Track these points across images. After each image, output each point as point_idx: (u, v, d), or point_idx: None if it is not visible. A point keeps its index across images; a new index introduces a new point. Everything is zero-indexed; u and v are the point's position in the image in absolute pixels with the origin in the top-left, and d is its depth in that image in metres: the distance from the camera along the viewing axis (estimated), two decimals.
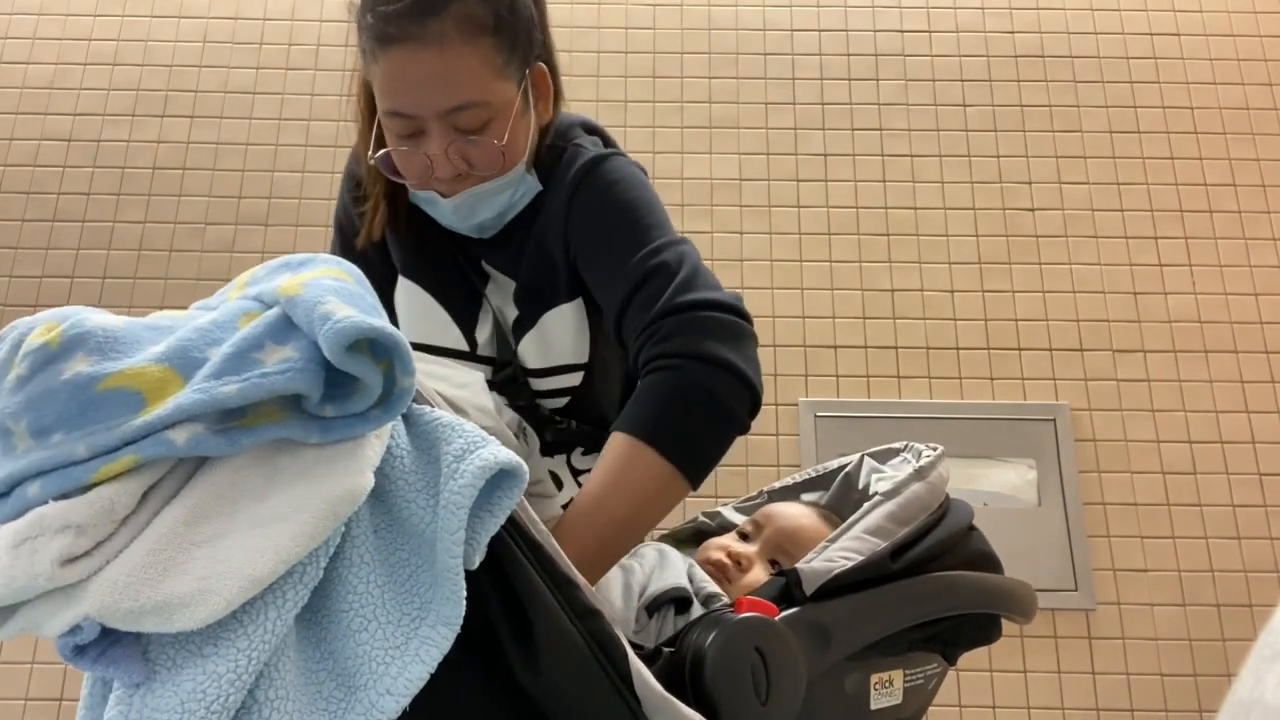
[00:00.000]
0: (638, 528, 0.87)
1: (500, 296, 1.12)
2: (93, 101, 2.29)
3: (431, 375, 0.74)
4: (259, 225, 2.20)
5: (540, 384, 1.10)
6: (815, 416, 2.08)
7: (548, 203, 1.06)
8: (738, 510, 1.12)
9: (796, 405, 2.09)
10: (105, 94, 2.30)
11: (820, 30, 2.38)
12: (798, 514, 1.01)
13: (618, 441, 0.86)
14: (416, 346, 0.96)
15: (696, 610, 0.83)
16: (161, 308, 2.28)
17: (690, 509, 1.97)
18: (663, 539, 1.10)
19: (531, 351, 1.09)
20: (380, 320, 0.53)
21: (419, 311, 1.10)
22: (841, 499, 1.05)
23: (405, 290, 1.11)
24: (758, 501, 1.11)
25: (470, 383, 0.79)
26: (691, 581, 0.89)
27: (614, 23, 2.37)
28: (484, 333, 1.11)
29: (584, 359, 1.09)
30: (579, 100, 2.19)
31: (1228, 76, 2.33)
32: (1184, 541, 2.00)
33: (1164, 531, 2.01)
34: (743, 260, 2.20)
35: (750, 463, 2.05)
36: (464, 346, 1.09)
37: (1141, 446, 2.07)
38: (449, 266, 1.11)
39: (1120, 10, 2.38)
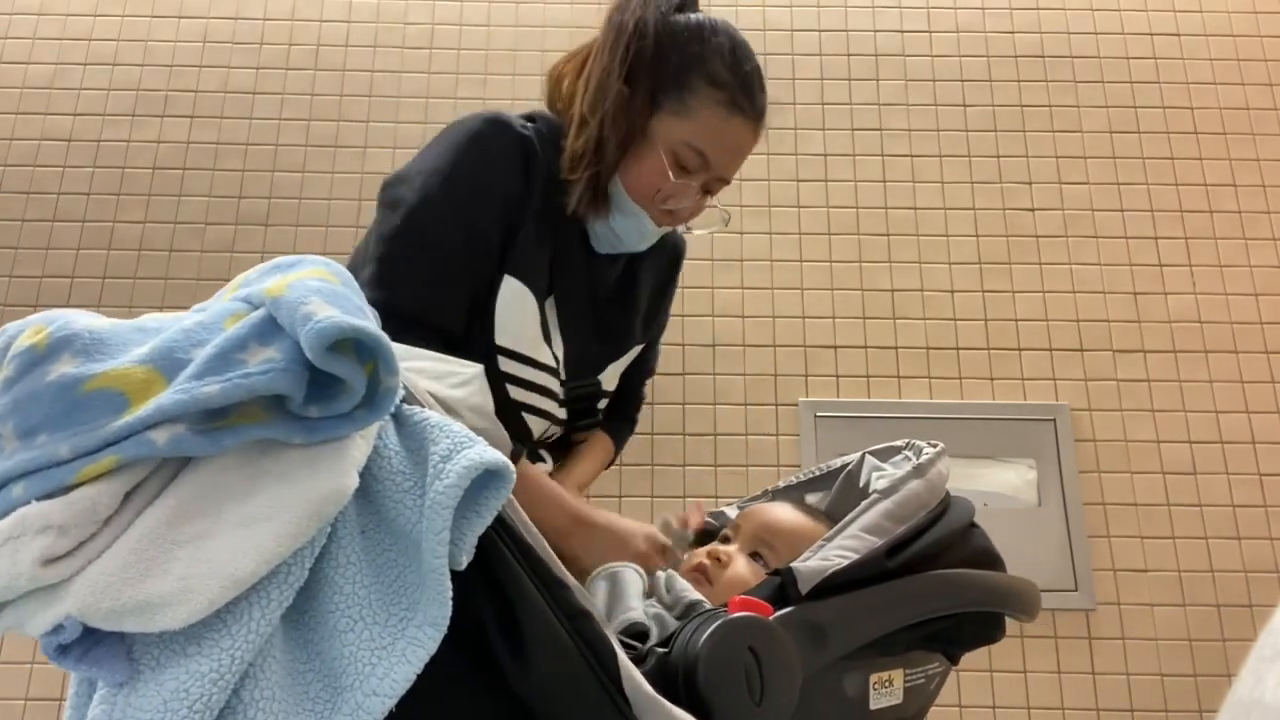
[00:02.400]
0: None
1: (605, 316, 1.20)
2: (93, 101, 2.29)
3: (428, 374, 0.73)
4: (259, 225, 2.20)
5: (599, 404, 1.23)
6: (815, 416, 2.08)
7: (663, 250, 1.27)
8: (740, 508, 1.12)
9: (796, 405, 2.09)
10: (105, 94, 2.30)
11: (820, 30, 2.37)
12: (776, 507, 1.02)
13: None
14: (508, 352, 1.05)
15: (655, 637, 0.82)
16: (161, 308, 2.29)
17: (673, 506, 1.97)
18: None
19: (610, 376, 1.22)
20: (362, 320, 0.53)
21: (526, 311, 1.09)
22: (843, 497, 1.04)
23: (514, 291, 1.09)
24: (761, 501, 1.11)
25: (470, 379, 0.79)
26: (670, 591, 0.88)
27: None
28: (563, 347, 1.14)
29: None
30: None
31: (1228, 76, 2.32)
32: (1184, 541, 2.00)
33: (1164, 531, 2.01)
34: (743, 260, 2.20)
35: (750, 463, 2.05)
36: (550, 362, 1.12)
37: (1141, 446, 2.07)
38: (574, 277, 1.16)
39: (1120, 10, 2.38)
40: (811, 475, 1.11)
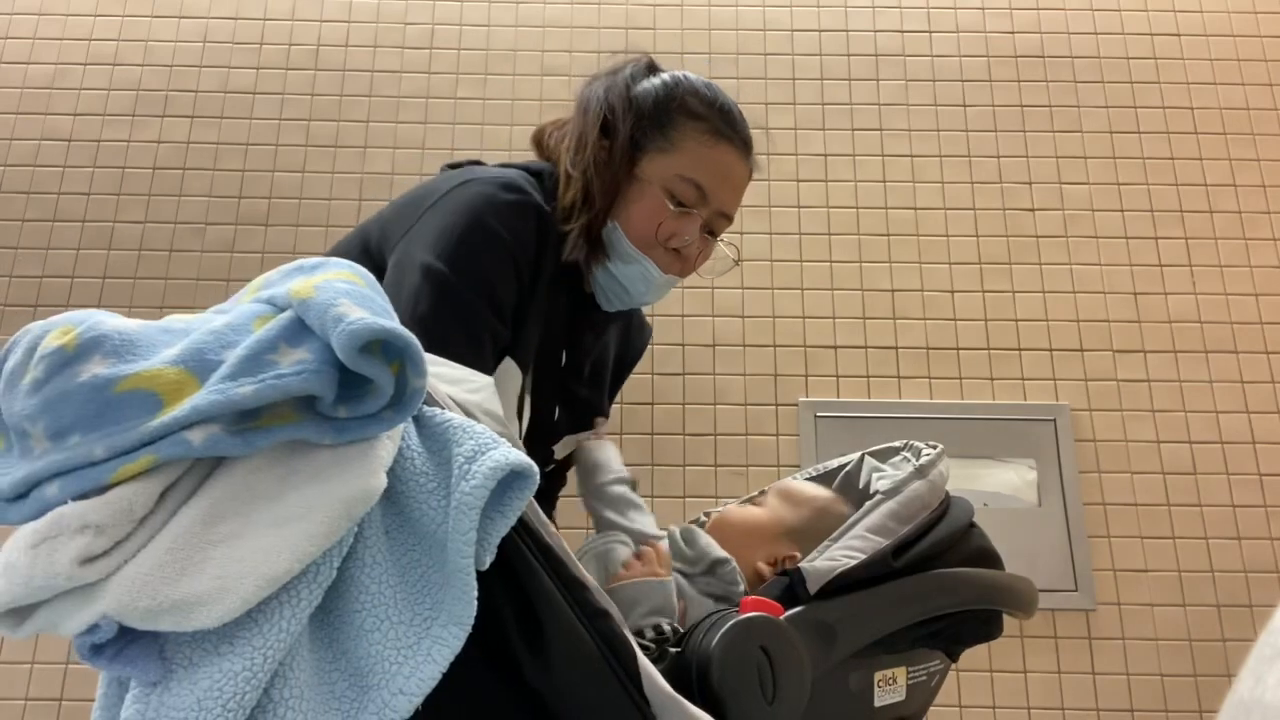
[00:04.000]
0: None
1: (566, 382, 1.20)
2: (93, 101, 2.29)
3: (444, 379, 0.74)
4: (259, 225, 2.20)
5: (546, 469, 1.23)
6: (815, 416, 2.08)
7: (635, 320, 1.30)
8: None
9: (796, 405, 2.09)
10: (105, 94, 2.30)
11: (820, 30, 2.38)
12: (733, 507, 1.06)
13: None
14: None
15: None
16: (161, 308, 2.29)
17: (691, 508, 1.97)
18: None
19: (565, 446, 1.22)
20: (391, 322, 0.53)
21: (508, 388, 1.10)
22: (843, 497, 1.05)
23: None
24: (759, 500, 1.11)
25: (482, 387, 0.80)
26: (692, 547, 0.90)
27: (614, 23, 2.37)
28: (529, 415, 1.14)
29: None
30: None
31: (1228, 77, 2.33)
32: (1184, 541, 2.00)
33: (1164, 532, 2.01)
34: (743, 260, 2.20)
35: (750, 463, 2.05)
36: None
37: (1142, 447, 2.07)
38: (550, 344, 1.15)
39: (1120, 10, 2.38)
40: (810, 475, 1.12)
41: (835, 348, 2.14)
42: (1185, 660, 1.93)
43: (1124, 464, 2.05)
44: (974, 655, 1.95)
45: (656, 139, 1.11)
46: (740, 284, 2.18)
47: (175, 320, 0.57)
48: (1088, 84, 2.32)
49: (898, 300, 2.17)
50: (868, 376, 2.12)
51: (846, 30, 2.37)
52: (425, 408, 0.61)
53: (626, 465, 2.06)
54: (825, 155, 2.28)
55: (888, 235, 2.22)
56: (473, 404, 0.72)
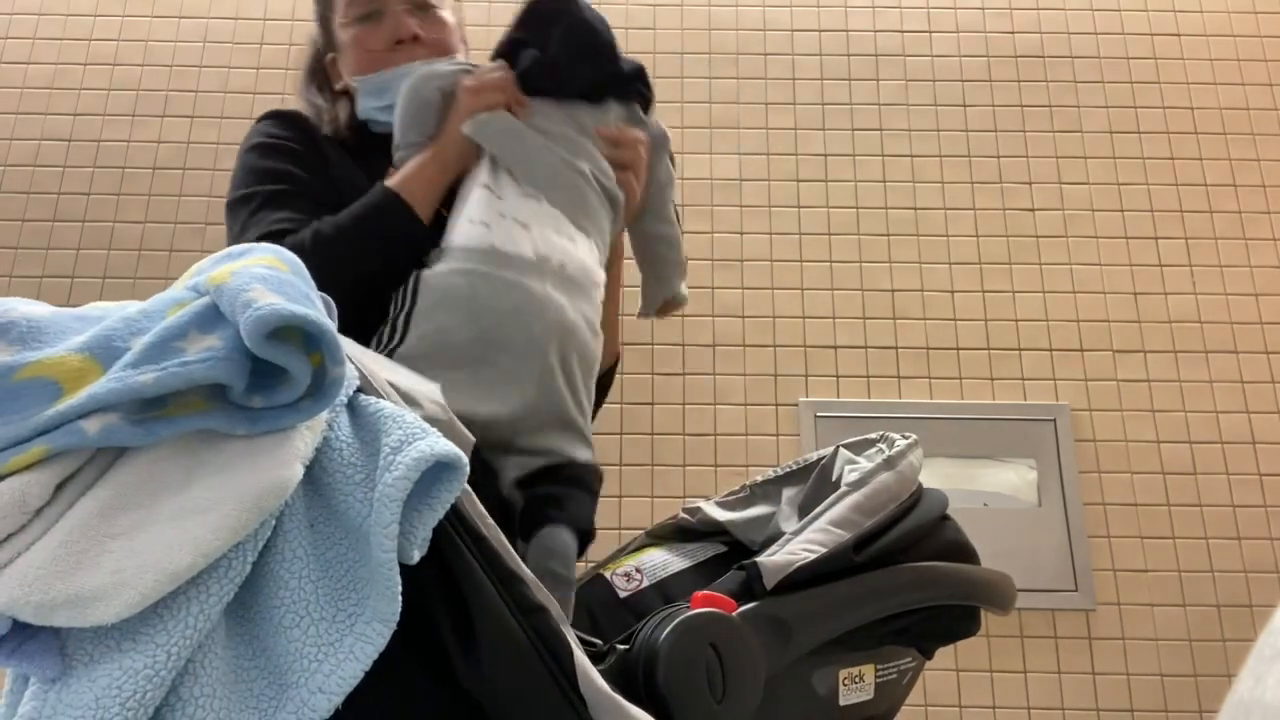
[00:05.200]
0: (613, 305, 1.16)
1: None
2: (93, 101, 2.29)
3: (388, 366, 0.72)
4: None
5: None
6: (815, 417, 2.08)
7: None
8: (720, 505, 1.10)
9: (796, 405, 2.09)
10: (105, 94, 2.30)
11: (820, 30, 2.37)
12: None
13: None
14: None
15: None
16: None
17: (673, 506, 1.97)
18: (647, 535, 1.09)
19: None
20: (305, 308, 0.51)
21: None
22: (817, 491, 1.02)
23: None
24: (741, 495, 1.09)
25: None
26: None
27: (614, 23, 2.35)
28: None
29: None
30: None
31: (1228, 77, 2.32)
32: (1184, 542, 2.00)
33: (1164, 532, 2.01)
34: (743, 260, 2.20)
35: (750, 463, 2.05)
36: None
37: (1142, 447, 2.07)
38: None
39: (1120, 10, 2.38)
40: (789, 469, 1.09)
41: (835, 348, 2.14)
42: (1185, 660, 1.93)
43: (1124, 464, 2.05)
44: (974, 655, 1.96)
45: (323, 7, 1.23)
46: (740, 284, 2.18)
47: (93, 308, 0.55)
48: (1088, 84, 2.32)
49: (898, 300, 2.17)
50: (868, 376, 2.12)
51: (846, 30, 2.37)
52: (362, 396, 0.59)
53: (627, 465, 2.06)
54: (825, 155, 2.28)
55: (888, 235, 2.22)
56: (420, 392, 0.68)
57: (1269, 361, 2.12)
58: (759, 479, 1.12)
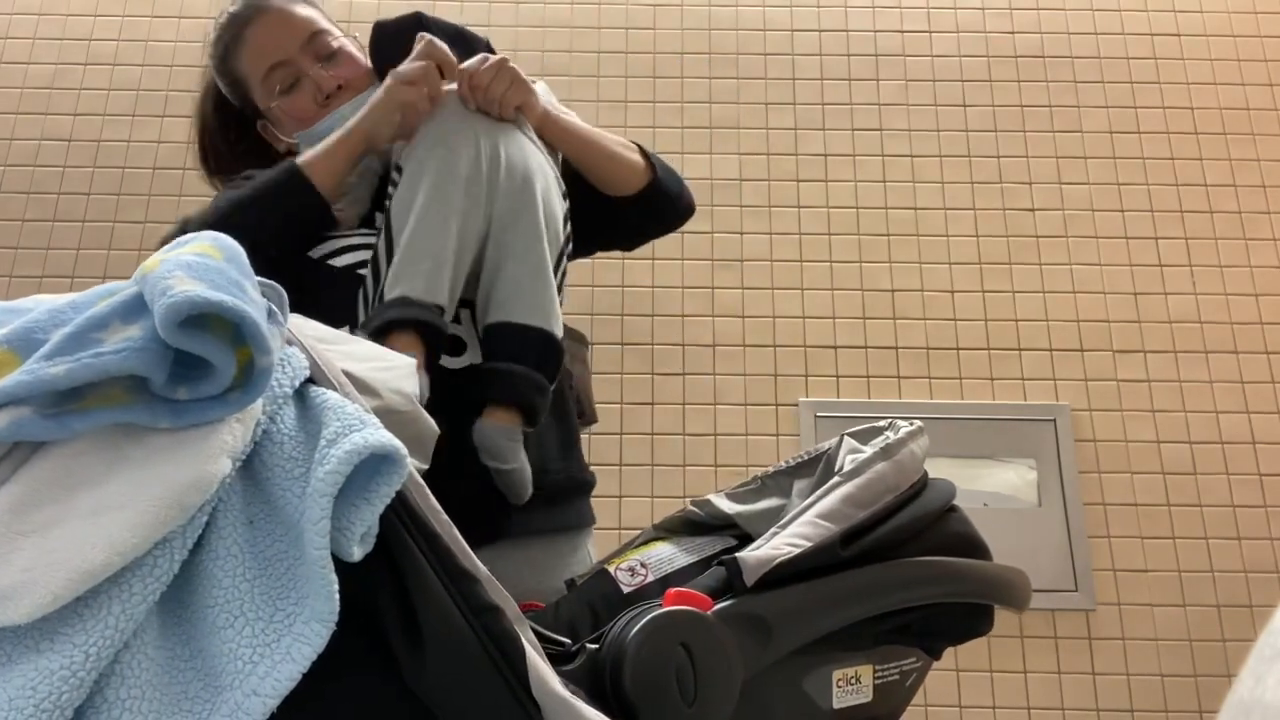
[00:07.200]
0: (590, 146, 1.22)
1: None
2: (93, 101, 2.29)
3: (355, 356, 0.69)
4: None
5: None
6: (815, 417, 2.08)
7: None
8: (729, 497, 1.08)
9: (797, 405, 2.09)
10: (105, 94, 2.30)
11: (820, 30, 2.37)
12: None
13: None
14: None
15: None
16: None
17: (673, 506, 1.97)
18: (654, 528, 1.08)
19: None
20: (223, 295, 0.49)
21: None
22: (822, 483, 0.99)
23: None
24: (752, 487, 1.06)
25: (398, 365, 0.75)
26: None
27: (614, 23, 2.37)
28: None
29: None
30: (579, 100, 2.19)
31: (1228, 77, 2.32)
32: (1184, 542, 2.00)
33: (1164, 532, 2.01)
34: (743, 260, 2.20)
35: (750, 463, 2.05)
36: None
37: (1142, 447, 2.07)
38: None
39: (1120, 10, 2.38)
40: (800, 460, 1.06)
41: (835, 348, 2.14)
42: (1185, 660, 1.93)
43: (1124, 464, 2.05)
44: (974, 655, 1.96)
45: (235, 88, 1.27)
46: (740, 284, 2.18)
47: (27, 300, 0.54)
48: (1088, 84, 2.32)
49: (898, 300, 2.17)
50: (868, 376, 2.12)
51: (846, 30, 2.37)
52: (312, 387, 0.56)
53: (627, 465, 2.06)
54: (825, 155, 2.28)
55: (888, 235, 2.22)
56: (378, 381, 0.65)
57: (1269, 361, 2.12)
58: (770, 470, 1.08)
